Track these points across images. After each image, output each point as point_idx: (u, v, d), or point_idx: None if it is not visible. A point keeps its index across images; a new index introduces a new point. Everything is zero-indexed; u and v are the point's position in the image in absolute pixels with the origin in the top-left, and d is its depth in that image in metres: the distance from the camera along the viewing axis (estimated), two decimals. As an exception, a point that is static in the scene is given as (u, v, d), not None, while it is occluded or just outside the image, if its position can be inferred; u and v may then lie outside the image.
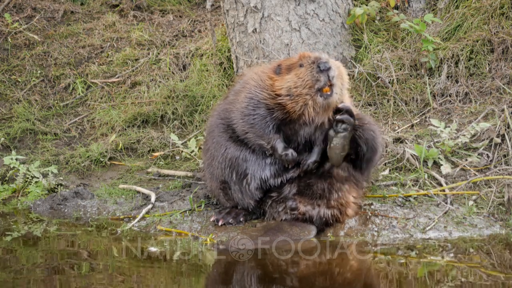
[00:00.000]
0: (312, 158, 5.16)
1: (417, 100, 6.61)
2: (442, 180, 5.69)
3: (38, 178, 6.45)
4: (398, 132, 6.34)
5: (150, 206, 5.85)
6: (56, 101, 7.49)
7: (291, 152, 5.08)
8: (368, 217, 5.34)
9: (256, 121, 5.07)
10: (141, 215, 5.73)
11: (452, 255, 4.80)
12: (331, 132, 5.03)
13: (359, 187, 5.30)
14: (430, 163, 5.87)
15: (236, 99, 5.19)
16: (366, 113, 6.42)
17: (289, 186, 5.21)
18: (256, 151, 5.17)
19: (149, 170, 6.51)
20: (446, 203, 5.44)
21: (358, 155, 5.15)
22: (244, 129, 5.13)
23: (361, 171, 5.24)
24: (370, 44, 6.89)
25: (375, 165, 5.41)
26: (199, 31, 8.06)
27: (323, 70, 4.92)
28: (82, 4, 8.73)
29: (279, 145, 5.08)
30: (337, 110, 5.05)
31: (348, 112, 5.01)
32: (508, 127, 5.94)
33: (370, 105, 6.70)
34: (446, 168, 5.79)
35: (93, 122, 7.21)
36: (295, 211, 5.19)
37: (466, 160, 5.87)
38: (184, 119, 7.02)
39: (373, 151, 5.18)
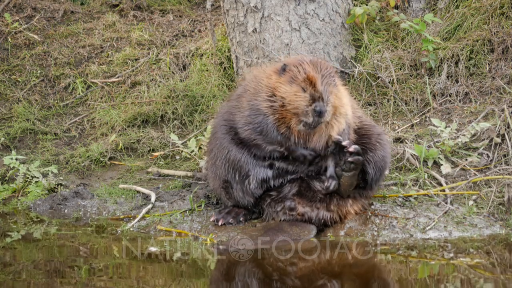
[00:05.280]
0: (335, 180, 5.14)
1: (417, 100, 6.61)
2: (442, 180, 5.69)
3: (38, 178, 6.45)
4: (398, 132, 6.34)
5: (150, 206, 5.85)
6: (56, 101, 7.49)
7: (308, 156, 5.10)
8: (368, 217, 5.34)
9: (261, 128, 5.07)
10: (141, 215, 5.73)
11: (452, 255, 4.80)
12: (338, 170, 5.08)
13: (363, 199, 5.35)
14: (430, 163, 5.87)
15: (239, 105, 5.19)
16: (366, 113, 6.42)
17: (290, 185, 5.21)
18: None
19: (149, 170, 6.51)
20: (446, 203, 5.44)
21: (367, 181, 5.22)
22: (251, 137, 5.12)
23: (370, 189, 5.33)
24: (370, 44, 6.89)
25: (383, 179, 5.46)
26: (199, 31, 8.06)
27: (315, 113, 4.89)
28: (82, 4, 8.73)
29: (292, 148, 5.09)
30: (347, 151, 5.01)
31: (358, 153, 5.03)
32: (508, 127, 5.94)
33: (370, 105, 6.70)
34: (446, 168, 5.79)
35: (93, 122, 7.21)
36: (293, 211, 5.19)
37: (466, 160, 5.87)
38: (184, 119, 7.02)
39: (381, 171, 5.26)
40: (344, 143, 5.00)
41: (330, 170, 5.13)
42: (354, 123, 5.28)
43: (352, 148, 5.01)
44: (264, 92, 5.05)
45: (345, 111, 5.09)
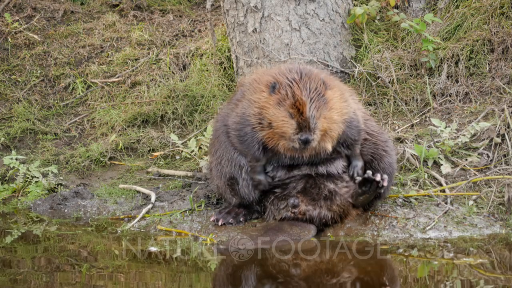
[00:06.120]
0: (358, 165, 5.19)
1: (417, 100, 6.61)
2: (442, 180, 5.69)
3: (38, 178, 6.45)
4: (398, 132, 6.34)
5: (150, 206, 5.85)
6: (56, 101, 7.49)
7: (264, 184, 5.19)
8: (368, 217, 5.34)
9: (245, 138, 5.12)
10: (141, 215, 5.73)
11: (452, 254, 4.80)
12: (360, 192, 5.14)
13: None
14: (430, 163, 5.87)
15: (234, 110, 5.23)
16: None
17: (295, 183, 5.21)
18: None
19: (149, 170, 6.51)
20: (446, 203, 5.44)
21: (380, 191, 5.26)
22: (234, 141, 5.20)
23: (383, 197, 5.38)
24: (370, 44, 6.89)
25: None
26: (199, 31, 8.07)
27: (301, 142, 4.91)
28: (82, 4, 8.73)
29: (258, 169, 5.18)
30: (381, 186, 5.11)
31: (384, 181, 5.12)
32: (508, 127, 5.94)
33: (370, 105, 6.70)
34: (446, 168, 5.79)
35: (93, 122, 7.22)
36: (296, 208, 5.19)
37: (466, 160, 5.87)
38: (184, 119, 7.02)
39: (390, 177, 5.31)
40: (377, 179, 5.07)
41: (356, 166, 5.20)
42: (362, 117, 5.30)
43: (386, 182, 5.11)
44: (255, 107, 5.06)
45: (337, 126, 5.05)
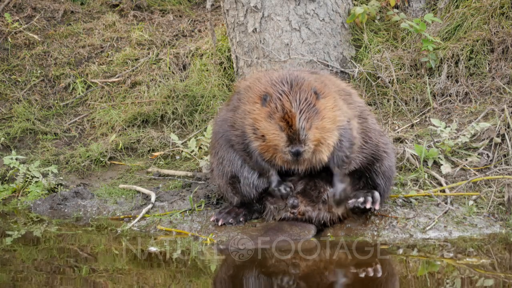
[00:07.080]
0: (340, 187, 5.14)
1: (417, 100, 6.61)
2: (442, 180, 5.69)
3: (38, 178, 6.45)
4: (398, 132, 6.34)
5: (150, 206, 5.85)
6: (56, 101, 7.49)
7: (284, 188, 5.16)
8: (368, 217, 5.34)
9: (249, 150, 5.13)
10: (141, 215, 5.73)
11: (452, 254, 4.80)
12: (355, 207, 5.17)
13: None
14: (430, 163, 5.87)
15: (233, 121, 5.22)
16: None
17: (295, 184, 5.22)
18: None
19: (149, 170, 6.51)
20: (446, 203, 5.44)
21: (379, 193, 5.26)
22: (241, 154, 5.21)
23: (383, 201, 5.36)
24: (370, 44, 6.89)
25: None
26: (199, 31, 8.07)
27: (292, 154, 4.91)
28: (82, 4, 8.73)
29: (273, 178, 5.17)
30: (374, 210, 5.19)
31: (370, 206, 5.16)
32: (508, 127, 5.94)
33: (370, 105, 6.70)
34: (446, 168, 5.79)
35: (93, 122, 7.22)
36: (295, 209, 5.20)
37: (466, 160, 5.87)
38: (184, 119, 7.02)
39: (390, 180, 5.35)
40: (367, 207, 5.11)
41: (335, 184, 5.14)
42: (357, 121, 5.28)
43: (377, 205, 5.16)
44: (249, 118, 5.07)
45: (331, 134, 5.02)
